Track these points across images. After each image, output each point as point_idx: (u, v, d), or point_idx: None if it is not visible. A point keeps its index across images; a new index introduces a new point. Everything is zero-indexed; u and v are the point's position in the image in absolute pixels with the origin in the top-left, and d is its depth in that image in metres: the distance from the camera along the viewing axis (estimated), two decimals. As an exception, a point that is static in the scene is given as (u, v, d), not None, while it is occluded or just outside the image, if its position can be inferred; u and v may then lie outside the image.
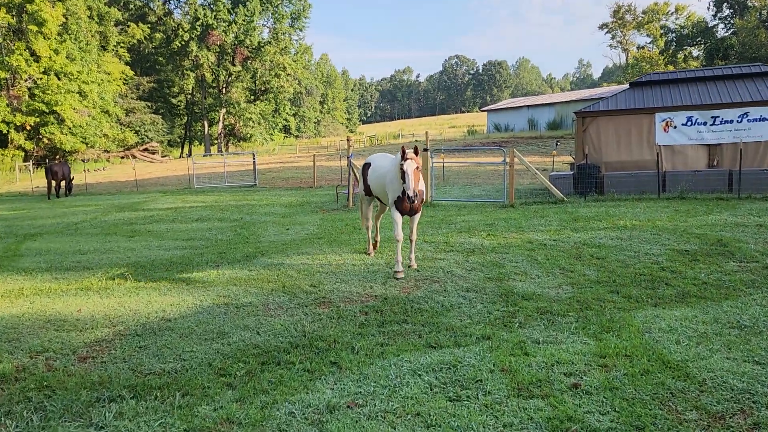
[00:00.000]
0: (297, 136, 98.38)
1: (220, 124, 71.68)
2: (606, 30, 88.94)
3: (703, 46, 66.90)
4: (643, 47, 79.69)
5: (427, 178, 16.55)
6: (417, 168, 7.77)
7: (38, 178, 32.85)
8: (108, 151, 54.70)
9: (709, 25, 66.74)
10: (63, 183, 26.80)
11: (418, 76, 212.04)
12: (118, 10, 60.53)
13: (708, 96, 16.89)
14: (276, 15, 71.35)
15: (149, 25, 66.51)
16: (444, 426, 3.93)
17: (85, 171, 36.35)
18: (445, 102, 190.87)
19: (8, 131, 43.59)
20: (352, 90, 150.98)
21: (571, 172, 17.67)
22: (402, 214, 8.28)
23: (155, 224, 15.39)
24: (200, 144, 76.07)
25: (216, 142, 71.84)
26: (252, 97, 73.86)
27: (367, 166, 9.39)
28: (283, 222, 14.58)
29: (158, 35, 68.11)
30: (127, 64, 61.72)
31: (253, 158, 28.76)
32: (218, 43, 65.34)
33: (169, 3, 72.50)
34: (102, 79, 52.14)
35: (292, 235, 12.42)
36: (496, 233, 11.22)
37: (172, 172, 40.18)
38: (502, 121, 68.30)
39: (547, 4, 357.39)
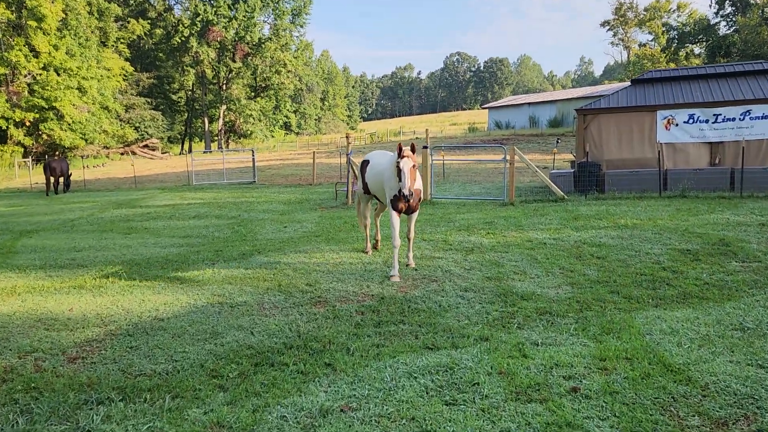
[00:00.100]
0: (298, 133, 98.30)
1: (221, 121, 71.53)
2: (608, 27, 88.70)
3: (705, 43, 66.68)
4: (644, 45, 79.45)
5: (427, 176, 16.44)
6: (413, 166, 7.64)
7: (37, 175, 32.74)
8: (108, 148, 54.58)
9: (711, 23, 66.50)
10: (61, 179, 26.69)
11: (419, 73, 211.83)
12: (118, 5, 60.33)
13: (710, 93, 16.75)
14: (276, 11, 71.12)
15: (149, 21, 66.31)
16: (439, 431, 3.83)
17: (83, 167, 36.21)
18: (447, 99, 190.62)
19: (7, 127, 43.45)
20: (353, 87, 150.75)
21: (572, 170, 17.55)
22: (399, 213, 8.16)
23: (152, 221, 15.28)
24: (200, 141, 75.92)
25: (216, 138, 71.70)
26: (252, 94, 73.66)
27: (365, 163, 9.27)
28: (281, 219, 14.47)
29: (158, 31, 67.93)
30: (127, 60, 61.52)
31: (253, 155, 28.65)
32: (218, 39, 65.15)
33: (170, -1, 72.31)
34: (102, 75, 51.96)
35: (290, 233, 12.31)
36: (496, 232, 11.11)
37: (171, 168, 40.06)
38: (503, 118, 68.13)
39: (548, 1, 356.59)
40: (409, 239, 8.62)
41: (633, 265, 8.08)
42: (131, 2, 67.68)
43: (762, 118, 15.68)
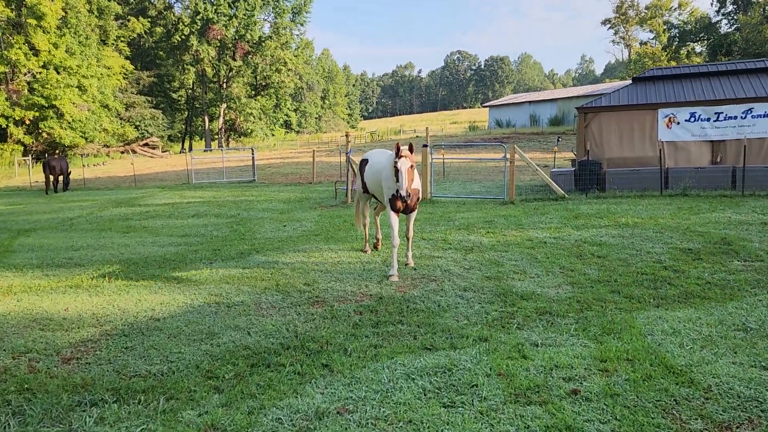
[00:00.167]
0: (298, 132, 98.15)
1: (221, 119, 71.42)
2: (609, 26, 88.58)
3: (706, 42, 66.53)
4: (645, 43, 79.30)
5: (427, 175, 16.36)
6: (411, 166, 7.55)
7: (37, 173, 32.68)
8: (108, 146, 54.47)
9: (713, 21, 66.35)
10: (61, 178, 26.62)
11: (419, 71, 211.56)
12: (118, 4, 60.15)
13: (712, 92, 16.67)
14: (277, 9, 70.95)
15: (149, 19, 66.12)
16: (437, 434, 3.76)
17: (83, 166, 36.14)
18: (447, 98, 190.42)
19: (7, 125, 43.35)
20: (353, 85, 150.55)
21: (573, 169, 17.47)
22: (397, 213, 8.09)
23: (151, 220, 15.22)
24: (201, 139, 75.81)
25: (217, 137, 71.58)
26: (253, 92, 73.53)
27: (364, 162, 9.19)
28: (280, 218, 14.40)
29: (158, 29, 67.75)
30: (127, 58, 61.37)
31: (252, 154, 28.57)
32: (219, 37, 65.00)
33: (170, -3, 72.15)
34: (102, 74, 51.84)
35: (289, 232, 12.25)
36: (496, 231, 11.04)
37: (171, 167, 39.98)
38: (503, 116, 67.99)
39: (548, 1, 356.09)
40: (408, 238, 8.55)
41: (634, 265, 8.01)
42: (131, 0, 67.53)
43: (764, 116, 15.59)
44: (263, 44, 68.42)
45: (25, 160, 38.71)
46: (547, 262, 8.36)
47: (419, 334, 5.67)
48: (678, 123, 16.28)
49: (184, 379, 4.84)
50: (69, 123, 45.58)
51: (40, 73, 44.11)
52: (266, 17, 71.97)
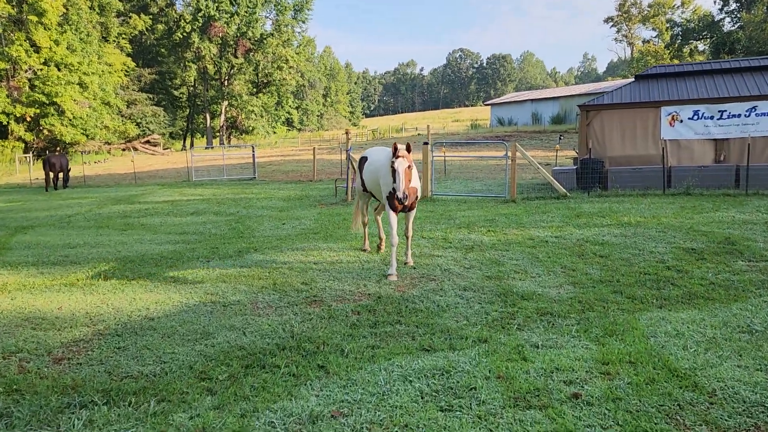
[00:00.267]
0: (300, 129, 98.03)
1: (222, 117, 71.33)
2: (611, 24, 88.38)
3: (709, 40, 66.25)
4: (648, 41, 79.12)
5: (428, 173, 16.24)
6: (409, 166, 7.42)
7: (37, 170, 32.62)
8: (109, 143, 54.40)
9: (716, 19, 66.03)
10: (61, 175, 26.55)
11: (421, 69, 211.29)
12: (120, 0, 60.05)
13: (715, 89, 16.51)
14: (278, 7, 70.81)
15: (151, 17, 65.95)
16: (433, 439, 3.66)
17: (83, 163, 36.08)
18: (449, 96, 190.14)
19: (8, 122, 43.32)
20: (355, 83, 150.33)
21: (575, 167, 17.33)
22: (396, 212, 7.98)
23: (150, 217, 15.12)
24: (202, 137, 75.75)
25: (218, 134, 71.50)
26: (254, 90, 73.42)
27: (363, 160, 9.05)
28: (279, 216, 14.30)
29: (160, 26, 67.63)
30: (128, 55, 61.25)
31: (253, 151, 28.46)
32: (220, 34, 64.88)
33: (171, -6, 71.98)
34: (103, 71, 51.76)
35: (288, 230, 12.14)
36: (497, 229, 10.92)
37: (172, 164, 39.90)
38: (505, 115, 67.82)
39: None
40: (407, 237, 8.44)
41: (637, 264, 7.89)
42: (133, -3, 67.40)
43: (768, 114, 15.45)
44: (265, 41, 68.29)
45: (26, 157, 38.65)
46: (548, 262, 8.24)
47: (417, 334, 5.56)
48: (681, 121, 16.14)
49: (176, 380, 4.74)
50: (70, 120, 45.53)
51: (41, 69, 44.04)
52: (268, 14, 71.91)
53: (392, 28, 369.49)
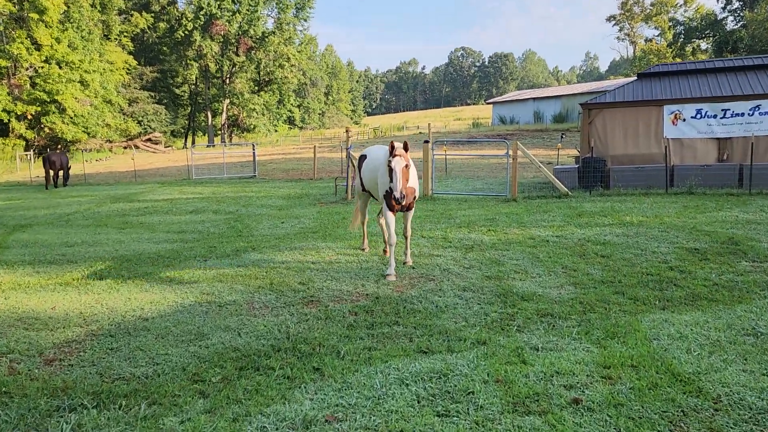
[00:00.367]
0: (301, 128, 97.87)
1: (224, 115, 71.22)
2: (613, 22, 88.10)
3: (711, 39, 66.00)
4: (650, 40, 78.79)
5: (428, 171, 16.13)
6: (406, 166, 7.27)
7: (38, 168, 32.53)
8: (110, 141, 54.36)
9: (718, 18, 65.77)
10: (61, 173, 26.48)
11: (423, 68, 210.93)
12: (121, -2, 60.01)
13: (719, 88, 16.37)
14: (280, 5, 70.64)
15: (153, 15, 65.85)
16: (430, 446, 3.55)
17: (84, 161, 36.02)
18: (451, 94, 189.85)
19: (9, 120, 43.28)
20: (357, 81, 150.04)
21: (576, 166, 17.20)
22: (393, 212, 7.85)
23: (148, 216, 15.03)
24: (204, 135, 75.67)
25: (220, 132, 71.41)
26: (256, 88, 73.27)
27: (362, 158, 8.92)
28: (278, 215, 14.20)
29: (162, 25, 67.50)
30: (130, 53, 61.17)
31: (253, 149, 28.37)
32: (222, 33, 64.74)
33: (173, -8, 71.83)
34: (104, 69, 51.69)
35: (287, 229, 12.04)
36: (497, 229, 10.81)
37: (173, 162, 39.83)
38: (507, 113, 67.61)
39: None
40: (406, 237, 8.33)
41: (639, 265, 7.78)
42: (134, -5, 67.29)
43: (772, 113, 15.30)
44: (266, 40, 68.15)
45: (26, 155, 38.60)
46: (549, 262, 8.14)
47: (415, 336, 5.46)
48: (684, 120, 16.00)
49: (169, 382, 4.65)
50: (71, 118, 45.48)
51: (42, 67, 43.98)
52: (269, 13, 71.74)
53: (394, 26, 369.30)
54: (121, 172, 34.09)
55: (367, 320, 5.94)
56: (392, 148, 7.27)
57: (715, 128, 15.80)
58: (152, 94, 65.65)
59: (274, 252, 9.51)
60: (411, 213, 8.17)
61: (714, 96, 15.92)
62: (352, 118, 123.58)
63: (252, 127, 73.77)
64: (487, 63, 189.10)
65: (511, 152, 15.43)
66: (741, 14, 61.62)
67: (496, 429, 3.68)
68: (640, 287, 6.75)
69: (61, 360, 5.21)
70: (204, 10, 63.48)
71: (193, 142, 69.55)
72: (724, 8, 64.98)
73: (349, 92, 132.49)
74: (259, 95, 72.73)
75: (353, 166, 15.93)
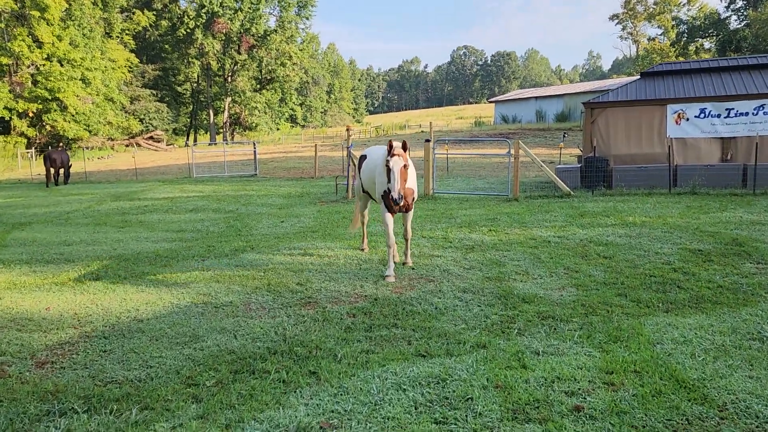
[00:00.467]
0: (303, 126, 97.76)
1: (226, 113, 71.14)
2: (616, 21, 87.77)
3: (715, 38, 65.73)
4: (654, 39, 78.51)
5: (429, 170, 16.03)
6: (405, 166, 7.09)
7: (39, 166, 32.50)
8: (112, 139, 54.34)
9: (722, 17, 65.51)
10: (62, 170, 26.42)
11: (425, 66, 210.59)
12: (123, -4, 59.92)
13: (722, 87, 16.23)
14: (282, 3, 70.48)
15: (154, 12, 65.80)
16: (426, 454, 3.45)
17: (85, 159, 35.96)
18: (453, 93, 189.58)
19: (11, 118, 43.26)
20: (359, 80, 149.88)
21: (579, 165, 17.08)
22: (391, 213, 7.72)
23: (148, 214, 14.95)
24: (206, 133, 75.62)
25: (222, 131, 71.34)
26: (258, 86, 73.15)
27: (363, 158, 8.78)
28: (278, 214, 14.10)
29: (164, 23, 67.40)
30: (132, 51, 61.11)
31: (254, 148, 28.29)
32: (224, 31, 64.62)
33: (175, -10, 71.71)
34: (106, 66, 51.63)
35: (286, 228, 11.95)
36: (498, 229, 10.70)
37: (174, 160, 39.77)
38: (509, 112, 67.44)
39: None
40: (406, 240, 8.14)
41: (642, 266, 7.67)
42: (136, -7, 67.18)
43: (776, 112, 15.17)
44: (268, 38, 68.03)
45: (28, 152, 38.58)
46: (550, 263, 8.03)
47: (414, 338, 5.36)
48: (687, 119, 15.87)
49: (162, 386, 4.55)
50: (73, 116, 45.44)
51: (44, 65, 43.94)
52: (271, 11, 71.61)
53: (396, 25, 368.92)
54: (122, 170, 34.03)
55: (365, 322, 5.85)
56: (390, 147, 7.13)
57: (719, 128, 15.66)
58: (154, 92, 65.59)
59: (272, 252, 9.41)
60: (410, 214, 7.99)
61: (718, 95, 15.79)
62: (354, 117, 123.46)
63: (254, 125, 73.68)
64: (489, 62, 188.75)
65: (512, 151, 15.32)
66: (744, 13, 61.37)
67: (495, 437, 3.58)
68: (642, 289, 6.64)
69: (53, 362, 5.12)
70: (206, 8, 63.37)
71: (195, 140, 69.51)
72: (727, 7, 64.72)
73: (352, 91, 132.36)
74: (261, 93, 72.62)
75: (354, 165, 15.83)
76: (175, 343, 5.47)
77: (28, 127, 44.56)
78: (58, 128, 44.87)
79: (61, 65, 44.66)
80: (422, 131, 57.55)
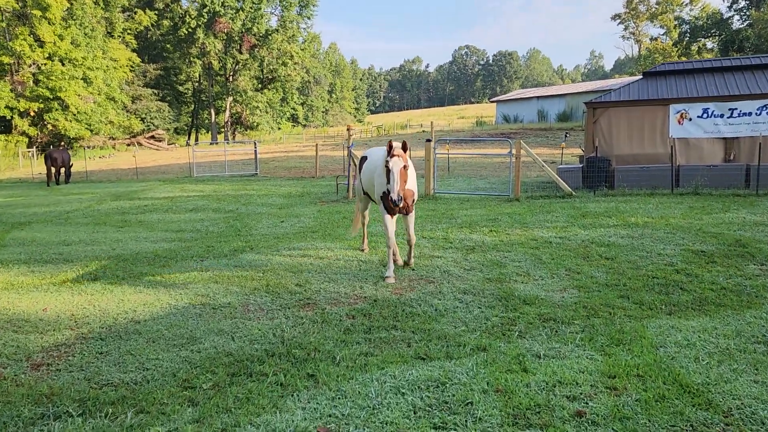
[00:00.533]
0: (305, 126, 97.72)
1: (227, 113, 71.11)
2: (618, 21, 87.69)
3: (717, 38, 65.52)
4: (656, 39, 78.32)
5: (430, 170, 15.96)
6: (405, 167, 6.95)
7: (40, 165, 32.49)
8: (114, 139, 54.34)
9: (724, 17, 65.29)
10: (63, 170, 26.38)
11: (427, 66, 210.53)
12: (125, -4, 59.92)
13: (725, 87, 16.14)
14: (284, 2, 70.39)
15: (156, 12, 65.83)
16: (425, 460, 3.39)
17: (86, 158, 35.93)
18: (455, 93, 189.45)
19: (12, 117, 43.25)
20: (360, 80, 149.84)
21: (580, 165, 17.00)
22: (391, 215, 7.62)
23: (148, 214, 14.90)
24: (207, 132, 75.62)
25: (223, 130, 71.31)
26: (259, 86, 73.10)
27: (363, 159, 8.69)
28: (278, 214, 14.04)
29: (165, 22, 67.40)
30: (133, 51, 61.12)
31: (255, 147, 28.24)
32: (225, 30, 64.57)
33: (177, -11, 71.66)
34: (108, 66, 51.63)
35: (286, 228, 11.89)
36: (499, 229, 10.63)
37: (175, 160, 39.72)
38: (511, 112, 67.31)
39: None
40: (409, 246, 7.85)
41: (644, 267, 7.60)
42: (138, -8, 67.14)
43: (779, 112, 15.07)
44: (270, 37, 67.96)
45: (29, 151, 38.56)
46: (552, 264, 7.96)
47: (413, 341, 5.30)
48: (690, 119, 15.78)
49: (158, 389, 4.49)
50: (74, 115, 45.43)
51: (45, 64, 43.93)
52: (273, 10, 71.54)
53: (398, 24, 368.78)
54: (123, 169, 34.00)
55: (364, 324, 5.78)
56: (390, 148, 7.02)
57: (722, 128, 15.58)
58: (156, 91, 65.58)
59: (272, 252, 9.35)
60: (412, 217, 7.76)
61: (721, 95, 15.70)
62: (355, 116, 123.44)
63: (255, 124, 73.64)
64: (491, 61, 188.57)
65: (514, 151, 15.24)
66: (747, 13, 61.19)
67: (495, 443, 3.52)
68: (645, 291, 6.57)
69: (48, 364, 5.07)
70: (207, 7, 63.33)
71: (197, 140, 69.51)
72: (730, 7, 64.51)
73: (353, 90, 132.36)
74: (262, 93, 72.57)
75: (354, 164, 15.77)
76: (172, 344, 5.41)
77: (30, 126, 44.55)
78: (60, 127, 44.86)
79: (63, 64, 44.65)
80: (423, 131, 57.48)
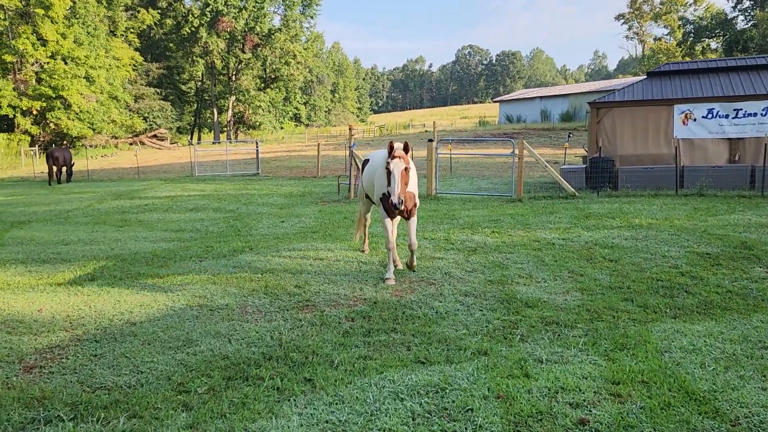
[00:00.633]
0: (307, 125, 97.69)
1: (230, 112, 71.11)
2: (622, 21, 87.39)
3: (721, 38, 65.25)
4: (660, 39, 78.09)
5: (432, 171, 15.85)
6: (406, 169, 6.75)
7: (42, 164, 32.47)
8: (116, 138, 54.35)
9: (729, 17, 65.02)
10: (64, 169, 26.34)
11: (430, 66, 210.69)
12: (128, -5, 59.93)
13: (731, 87, 16.00)
14: (287, 2, 70.39)
15: (159, 11, 65.84)
16: (424, 470, 3.29)
17: (87, 157, 35.89)
18: (458, 92, 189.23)
19: (14, 116, 43.25)
20: (363, 79, 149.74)
21: (584, 166, 16.87)
22: (391, 218, 7.49)
23: (148, 213, 14.82)
24: (210, 131, 75.62)
25: (225, 129, 71.31)
26: (262, 85, 73.10)
27: (366, 162, 8.53)
28: (279, 214, 13.95)
29: (168, 21, 67.41)
30: (136, 50, 61.16)
31: (257, 147, 28.16)
32: (228, 29, 64.59)
33: (180, -12, 71.64)
34: (110, 65, 51.63)
35: (287, 228, 11.79)
36: (501, 230, 10.52)
37: (177, 159, 39.68)
38: (514, 112, 67.15)
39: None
40: (411, 252, 7.55)
41: (648, 270, 7.48)
42: (141, -9, 67.14)
43: (785, 113, 14.93)
44: (273, 37, 67.95)
45: (31, 150, 38.55)
46: (554, 266, 7.85)
47: (413, 344, 5.20)
48: (695, 120, 15.65)
49: (152, 393, 4.40)
50: (76, 114, 45.42)
51: (48, 63, 43.92)
52: (276, 9, 71.54)
53: (401, 24, 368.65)
54: (125, 168, 33.96)
55: (363, 326, 5.68)
56: (391, 149, 6.86)
57: (727, 128, 15.44)
58: (158, 90, 65.60)
59: (271, 253, 9.25)
60: (413, 222, 7.48)
61: (726, 95, 15.56)
62: (358, 116, 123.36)
63: (258, 124, 73.63)
64: (494, 61, 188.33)
65: (516, 151, 15.13)
66: (752, 13, 60.90)
67: (495, 452, 3.42)
68: (649, 294, 6.46)
69: (41, 367, 4.98)
70: (210, 6, 63.35)
71: (199, 139, 69.52)
72: (734, 7, 64.25)
73: (356, 90, 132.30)
74: (265, 92, 72.57)
75: (356, 164, 15.68)
76: (167, 347, 5.32)
77: (32, 124, 44.55)
78: (62, 126, 44.86)
79: (65, 63, 44.65)
80: (426, 131, 57.38)
